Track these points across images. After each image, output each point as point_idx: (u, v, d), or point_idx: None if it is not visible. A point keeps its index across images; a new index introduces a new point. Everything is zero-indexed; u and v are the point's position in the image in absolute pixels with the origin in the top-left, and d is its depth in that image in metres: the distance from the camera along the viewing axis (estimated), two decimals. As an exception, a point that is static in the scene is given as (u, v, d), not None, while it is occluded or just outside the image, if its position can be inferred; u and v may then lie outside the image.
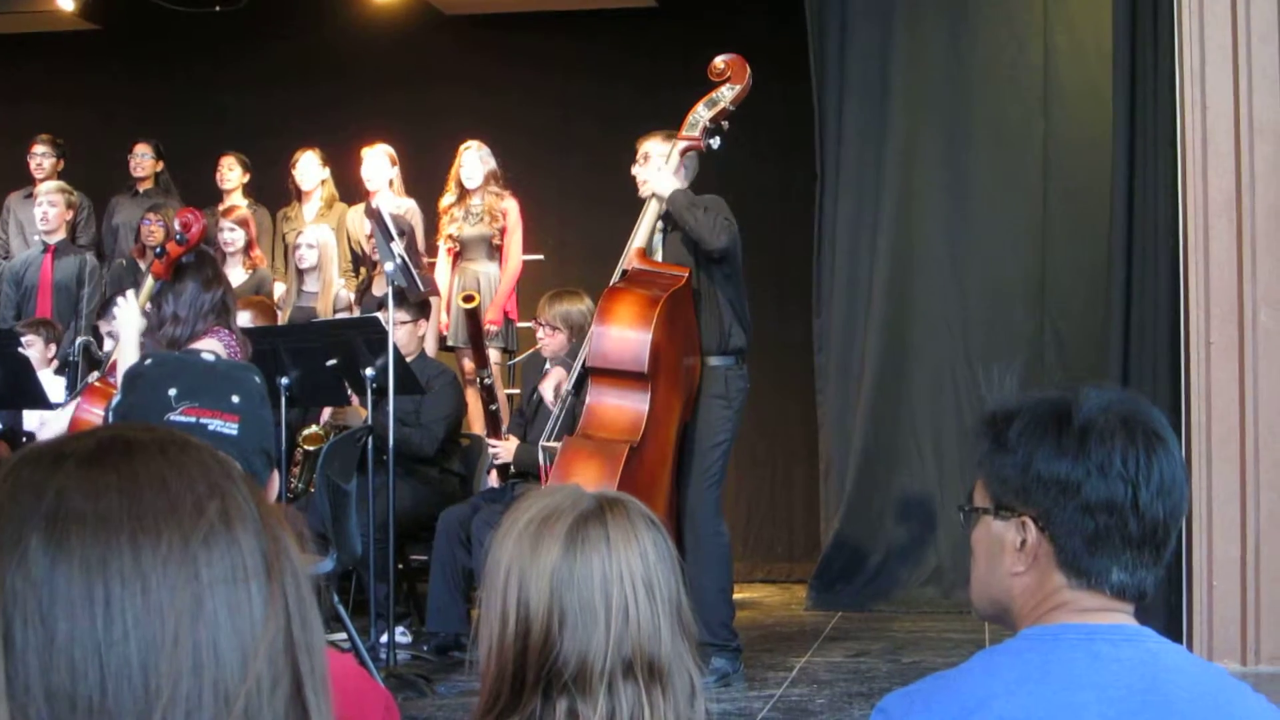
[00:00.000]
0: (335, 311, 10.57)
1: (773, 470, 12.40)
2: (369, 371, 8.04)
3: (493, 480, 9.15)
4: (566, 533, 2.28)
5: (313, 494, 8.24)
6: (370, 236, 9.64)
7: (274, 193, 12.10)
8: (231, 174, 11.98)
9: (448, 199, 10.68)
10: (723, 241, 7.69)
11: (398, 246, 8.44)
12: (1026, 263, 10.59)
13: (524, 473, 8.83)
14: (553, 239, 12.18)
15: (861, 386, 10.60)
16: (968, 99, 10.69)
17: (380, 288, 9.09)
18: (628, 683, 2.25)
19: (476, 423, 9.98)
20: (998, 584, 2.49)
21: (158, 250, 6.91)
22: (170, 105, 13.40)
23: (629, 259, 7.93)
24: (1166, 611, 7.66)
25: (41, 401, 8.38)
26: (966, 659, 2.44)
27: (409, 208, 10.85)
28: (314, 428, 9.18)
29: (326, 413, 9.32)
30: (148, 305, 6.81)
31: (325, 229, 11.07)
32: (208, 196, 11.82)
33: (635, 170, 8.12)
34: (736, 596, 8.26)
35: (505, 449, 8.95)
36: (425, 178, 11.25)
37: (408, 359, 8.69)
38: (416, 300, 9.11)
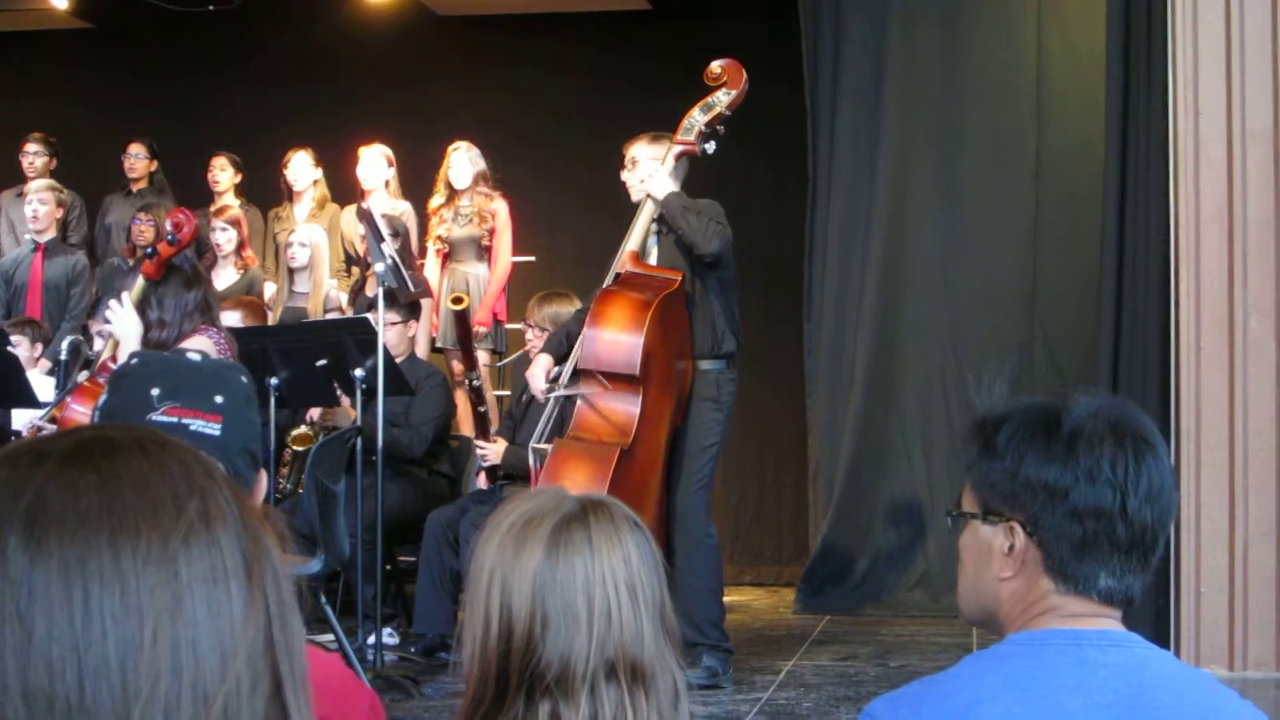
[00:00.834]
0: (326, 311, 10.56)
1: (762, 473, 12.40)
2: (358, 372, 8.04)
3: (481, 482, 9.15)
4: (549, 535, 2.28)
5: (301, 494, 8.23)
6: (363, 237, 9.64)
7: (266, 193, 12.10)
8: (223, 174, 11.97)
9: (437, 200, 10.69)
10: (715, 246, 7.69)
11: (389, 248, 8.43)
12: (1018, 268, 10.59)
13: (512, 475, 8.82)
14: (544, 241, 12.17)
15: (851, 390, 10.61)
16: (961, 104, 10.70)
17: (373, 289, 9.09)
18: (610, 685, 2.25)
19: (466, 424, 9.97)
20: (985, 589, 2.49)
21: (149, 250, 6.90)
22: (163, 104, 13.37)
23: (622, 262, 7.93)
24: (1154, 617, 7.66)
25: (30, 401, 8.36)
26: (954, 663, 2.44)
27: (404, 210, 10.86)
28: (303, 428, 9.17)
29: (315, 413, 9.30)
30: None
31: (317, 229, 11.06)
32: (200, 196, 11.81)
33: (624, 175, 8.11)
34: (725, 599, 8.25)
35: (494, 451, 8.95)
36: (416, 178, 11.24)
37: (397, 360, 8.69)
38: (407, 301, 9.11)
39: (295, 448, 9.06)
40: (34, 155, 12.09)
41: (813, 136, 10.75)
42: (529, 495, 2.38)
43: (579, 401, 7.75)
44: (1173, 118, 7.84)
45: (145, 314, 6.68)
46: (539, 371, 8.02)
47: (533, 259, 11.65)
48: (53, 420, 7.18)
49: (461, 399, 9.84)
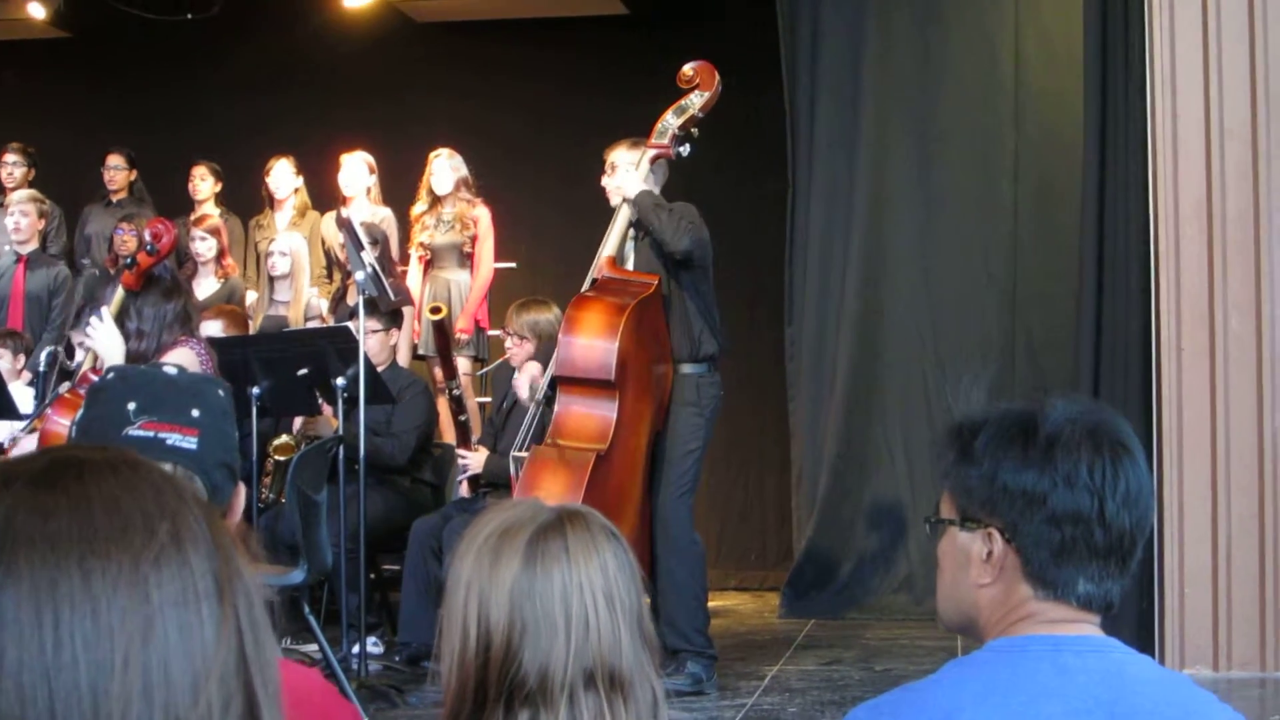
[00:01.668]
0: (306, 320, 10.56)
1: (745, 478, 12.41)
2: (340, 381, 8.02)
3: (464, 490, 9.14)
4: (526, 545, 2.28)
5: (284, 504, 8.22)
6: (343, 246, 9.62)
7: (246, 201, 12.09)
8: (203, 183, 11.95)
9: (419, 207, 10.69)
10: (684, 244, 7.69)
11: (369, 256, 8.42)
12: (998, 269, 10.60)
13: (495, 483, 8.82)
14: (524, 247, 12.17)
15: (833, 394, 10.61)
16: (939, 105, 10.70)
17: (354, 297, 9.08)
18: (589, 694, 2.25)
19: (448, 432, 9.96)
20: (964, 595, 2.49)
21: (128, 261, 6.89)
22: (142, 114, 13.35)
23: (599, 267, 7.93)
24: (1138, 618, 7.67)
25: (12, 413, 8.34)
26: (938, 667, 2.44)
27: (385, 216, 10.84)
28: (285, 438, 9.15)
29: (297, 422, 9.29)
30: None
31: (297, 237, 11.07)
32: (180, 205, 11.79)
33: (604, 181, 8.12)
34: (709, 605, 8.25)
35: (475, 460, 8.95)
36: (397, 186, 11.23)
37: (379, 368, 8.68)
38: (388, 310, 9.10)
39: (277, 457, 9.05)
40: (12, 166, 12.07)
41: (791, 140, 10.75)
42: (505, 506, 2.38)
43: (556, 407, 7.75)
44: (1151, 116, 7.85)
45: (124, 325, 6.67)
46: (526, 380, 8.06)
47: (513, 265, 11.65)
48: (33, 432, 7.17)
49: (443, 407, 9.83)
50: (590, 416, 7.66)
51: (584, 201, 9.27)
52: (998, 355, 10.45)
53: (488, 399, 10.43)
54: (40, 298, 11.24)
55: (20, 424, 7.85)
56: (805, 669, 8.43)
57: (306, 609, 7.44)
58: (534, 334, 8.89)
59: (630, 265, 7.98)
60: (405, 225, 10.89)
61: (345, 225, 8.63)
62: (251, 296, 11.17)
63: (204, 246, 10.99)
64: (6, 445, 7.62)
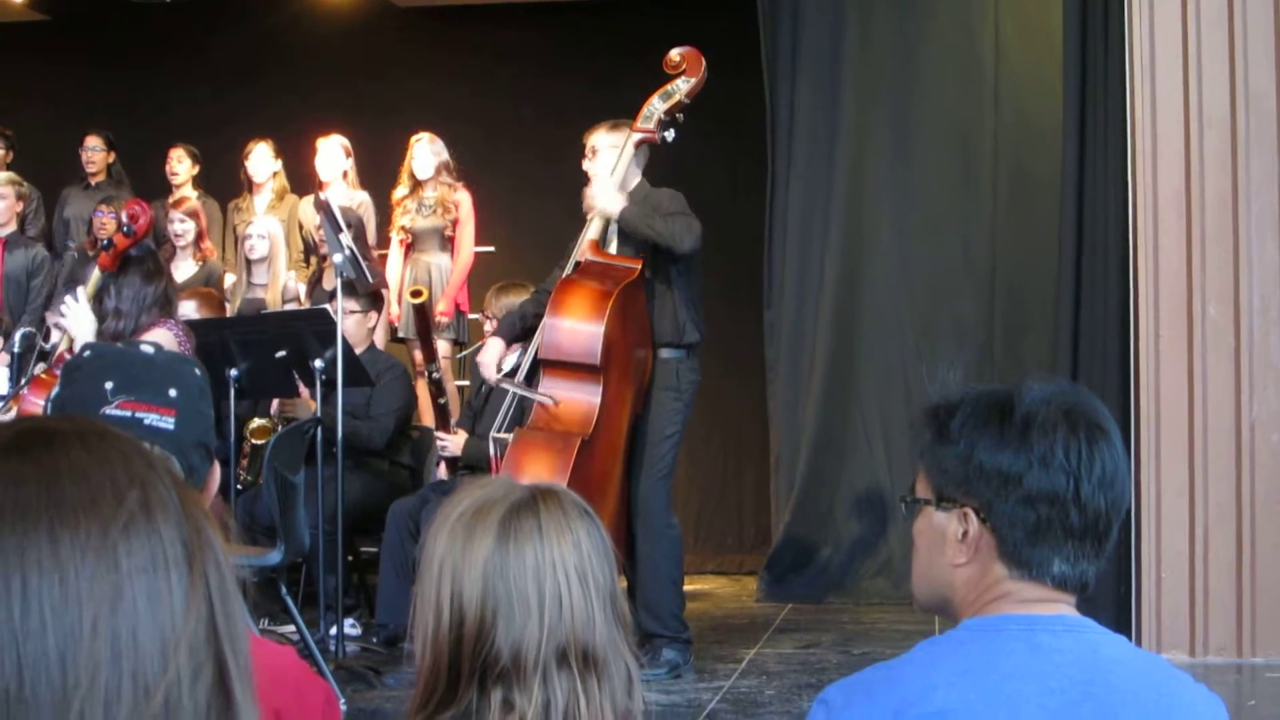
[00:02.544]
0: (284, 302, 10.55)
1: (724, 462, 12.42)
2: (318, 363, 8.01)
3: (442, 472, 9.14)
4: (499, 523, 2.28)
5: (261, 486, 8.21)
6: (319, 228, 9.61)
7: (224, 184, 12.05)
8: (181, 166, 11.91)
9: (400, 191, 10.67)
10: (689, 244, 7.69)
11: (346, 238, 8.41)
12: (977, 255, 10.61)
13: (473, 465, 8.81)
14: (505, 231, 12.16)
15: (812, 378, 10.61)
16: (919, 91, 10.70)
17: (330, 280, 9.06)
18: (562, 672, 2.25)
19: (427, 415, 9.95)
20: (939, 575, 2.49)
21: (104, 243, 6.88)
22: (120, 97, 13.33)
23: (582, 250, 7.91)
24: (1116, 603, 7.69)
25: (-11, 393, 8.33)
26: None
27: (362, 200, 10.82)
28: (260, 420, 9.14)
29: (275, 404, 9.28)
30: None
31: (275, 220, 11.06)
32: (158, 188, 11.76)
33: (586, 165, 8.10)
34: (687, 588, 8.26)
35: (454, 443, 8.94)
36: (377, 170, 11.21)
37: (357, 351, 8.67)
38: (366, 292, 9.09)
39: (254, 440, 9.04)
40: (-10, 149, 12.05)
41: (771, 125, 10.74)
42: (479, 484, 2.38)
43: (540, 389, 7.74)
44: (1130, 104, 7.86)
45: (102, 303, 6.67)
46: (490, 358, 8.00)
47: (492, 249, 11.64)
48: (9, 411, 7.16)
49: (422, 390, 9.82)
50: (575, 401, 7.65)
51: (563, 185, 9.28)
52: (976, 340, 10.47)
53: (466, 382, 10.44)
54: (19, 280, 11.21)
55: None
56: (783, 652, 8.44)
57: (284, 590, 7.44)
58: (512, 317, 8.89)
59: (613, 248, 7.95)
60: (386, 209, 10.86)
61: (324, 207, 8.61)
62: (230, 279, 11.15)
63: (182, 229, 10.96)
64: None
